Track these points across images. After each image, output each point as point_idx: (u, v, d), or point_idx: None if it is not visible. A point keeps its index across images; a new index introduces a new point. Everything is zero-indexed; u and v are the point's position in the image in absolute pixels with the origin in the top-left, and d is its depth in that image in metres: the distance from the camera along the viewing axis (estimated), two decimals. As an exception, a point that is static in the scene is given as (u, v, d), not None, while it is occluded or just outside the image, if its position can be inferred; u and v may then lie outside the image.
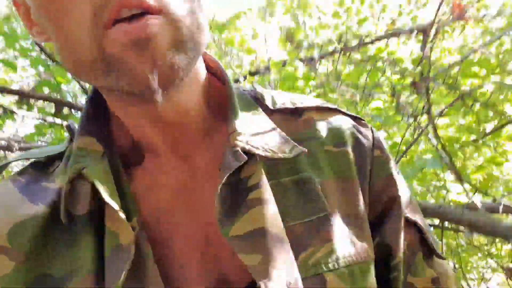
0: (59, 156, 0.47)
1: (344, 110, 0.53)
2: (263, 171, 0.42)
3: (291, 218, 0.42)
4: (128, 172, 0.45)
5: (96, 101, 0.46)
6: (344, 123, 0.50)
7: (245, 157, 0.41)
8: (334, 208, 0.44)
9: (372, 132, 0.51)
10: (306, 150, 0.44)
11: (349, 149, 0.48)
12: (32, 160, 0.47)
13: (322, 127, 0.49)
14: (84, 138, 0.43)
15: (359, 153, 0.48)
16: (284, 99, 0.51)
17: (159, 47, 0.34)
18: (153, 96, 0.36)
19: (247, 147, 0.42)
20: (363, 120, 0.53)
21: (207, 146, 0.46)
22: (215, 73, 0.49)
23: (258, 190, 0.41)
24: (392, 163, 0.51)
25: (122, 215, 0.38)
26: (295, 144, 0.44)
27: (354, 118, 0.52)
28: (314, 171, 0.45)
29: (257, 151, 0.42)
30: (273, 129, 0.46)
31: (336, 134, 0.49)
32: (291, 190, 0.44)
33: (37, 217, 0.40)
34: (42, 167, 0.46)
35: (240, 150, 0.41)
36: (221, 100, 0.48)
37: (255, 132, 0.44)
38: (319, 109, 0.51)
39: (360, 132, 0.50)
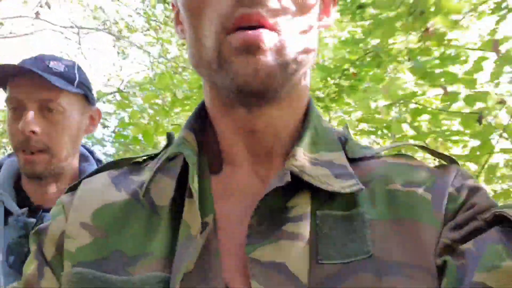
0: (152, 157, 0.53)
1: (431, 148, 0.50)
2: (310, 203, 0.42)
3: (328, 256, 0.40)
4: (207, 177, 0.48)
5: (201, 111, 0.51)
6: (420, 167, 0.47)
7: (289, 179, 0.41)
8: (384, 253, 0.40)
9: (456, 173, 0.45)
10: (364, 187, 0.42)
11: (421, 190, 0.43)
12: (131, 160, 0.53)
13: (393, 168, 0.47)
14: (188, 132, 0.47)
15: (438, 198, 0.43)
16: (370, 151, 0.49)
17: (265, 57, 0.39)
18: (247, 95, 0.41)
19: (299, 173, 0.42)
20: (453, 161, 0.48)
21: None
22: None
23: (296, 223, 0.41)
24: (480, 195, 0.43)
25: (196, 204, 0.41)
26: (358, 182, 0.43)
27: (440, 162, 0.49)
28: (370, 210, 0.42)
29: (307, 178, 0.42)
30: (341, 165, 0.45)
31: (406, 174, 0.45)
32: (338, 226, 0.41)
33: (118, 202, 0.46)
34: (137, 164, 0.53)
35: (288, 173, 0.41)
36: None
37: (317, 162, 0.44)
38: (397, 155, 0.49)
39: (440, 178, 0.45)
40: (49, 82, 0.91)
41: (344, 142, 0.49)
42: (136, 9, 5.11)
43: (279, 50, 0.40)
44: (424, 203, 0.42)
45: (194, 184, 0.42)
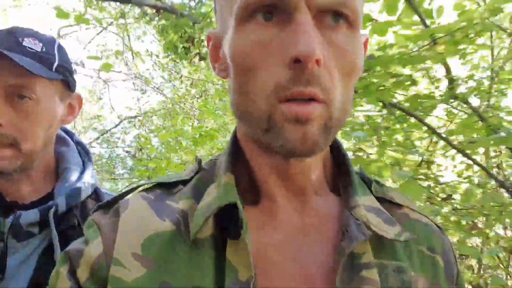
0: (182, 182, 0.55)
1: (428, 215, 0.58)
2: (371, 250, 0.48)
3: None
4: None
5: (235, 145, 0.54)
6: (435, 229, 0.55)
7: (370, 232, 0.46)
8: None
9: (449, 242, 0.56)
10: (416, 237, 0.50)
11: (439, 257, 0.52)
12: (159, 181, 0.55)
13: (418, 227, 0.54)
14: (230, 175, 0.50)
15: (448, 264, 0.53)
16: (383, 189, 0.56)
17: (313, 128, 0.43)
18: (292, 157, 0.48)
19: (367, 223, 0.47)
20: (441, 227, 0.57)
21: (318, 206, 0.52)
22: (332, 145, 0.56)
23: (370, 270, 0.46)
24: None
25: (251, 259, 0.44)
26: (404, 229, 0.49)
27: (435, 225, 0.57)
28: (410, 263, 0.49)
29: (373, 228, 0.47)
30: (381, 210, 0.51)
31: (428, 238, 0.53)
32: (391, 274, 0.47)
33: (165, 232, 0.48)
34: (167, 187, 0.54)
35: (363, 226, 0.47)
36: (333, 169, 0.55)
37: (369, 210, 0.50)
38: (413, 210, 0.56)
39: (445, 243, 0.55)
40: (20, 65, 0.74)
41: (369, 183, 0.57)
42: (153, 64, 6.47)
43: (326, 121, 0.44)
44: (440, 269, 0.52)
45: (249, 241, 0.45)
